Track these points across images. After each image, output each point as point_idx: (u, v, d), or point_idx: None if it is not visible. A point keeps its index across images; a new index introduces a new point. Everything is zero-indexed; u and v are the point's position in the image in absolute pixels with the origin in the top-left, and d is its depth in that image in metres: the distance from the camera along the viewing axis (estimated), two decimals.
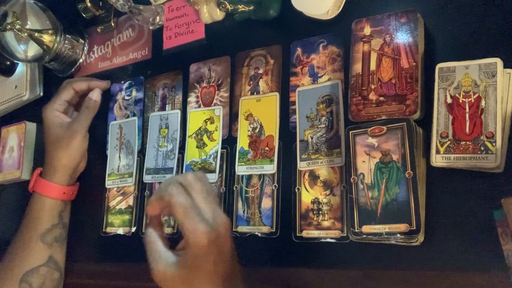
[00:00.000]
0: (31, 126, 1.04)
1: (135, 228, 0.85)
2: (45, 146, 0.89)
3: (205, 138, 0.81)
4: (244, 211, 0.74)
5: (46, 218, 0.85)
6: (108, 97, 0.95)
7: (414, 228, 0.56)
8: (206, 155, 0.80)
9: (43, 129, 0.90)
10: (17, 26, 0.91)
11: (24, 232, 0.85)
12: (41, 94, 1.07)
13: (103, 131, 0.94)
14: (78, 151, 0.87)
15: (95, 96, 0.90)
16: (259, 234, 0.71)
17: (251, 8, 0.76)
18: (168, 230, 0.80)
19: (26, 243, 0.84)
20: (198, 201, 0.56)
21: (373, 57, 0.64)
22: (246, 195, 0.74)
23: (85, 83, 0.92)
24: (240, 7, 0.76)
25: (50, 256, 0.85)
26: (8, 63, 1.08)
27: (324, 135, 0.69)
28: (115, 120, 0.93)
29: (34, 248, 0.83)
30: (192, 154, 0.81)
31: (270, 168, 0.73)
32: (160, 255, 0.55)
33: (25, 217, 0.87)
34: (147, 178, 0.85)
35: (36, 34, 0.95)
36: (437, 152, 0.57)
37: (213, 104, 0.82)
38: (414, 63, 0.61)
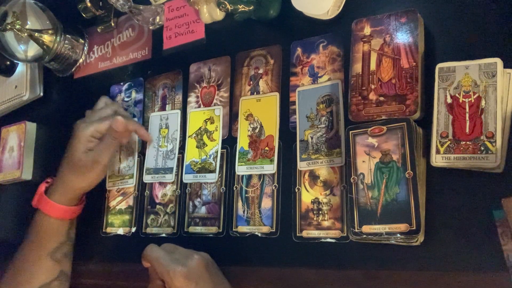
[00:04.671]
0: (31, 126, 1.04)
1: (135, 228, 0.85)
2: (62, 162, 0.82)
3: (205, 138, 0.81)
4: (244, 211, 0.74)
5: (53, 238, 0.81)
6: None
7: (414, 228, 0.56)
8: (206, 155, 0.80)
9: (69, 143, 0.82)
10: (17, 26, 0.91)
11: (30, 250, 0.81)
12: (41, 94, 1.07)
13: None
14: (95, 179, 0.82)
15: (120, 127, 0.80)
16: (259, 234, 0.71)
17: (251, 8, 0.76)
18: (168, 230, 0.80)
19: (35, 260, 0.80)
20: (171, 252, 0.67)
21: (373, 57, 0.64)
22: (246, 195, 0.74)
23: (132, 127, 0.83)
24: (240, 7, 0.76)
25: (61, 271, 0.82)
26: (8, 63, 1.08)
27: (324, 135, 0.69)
28: None
29: (44, 266, 0.80)
30: (192, 154, 0.81)
31: (270, 168, 0.73)
32: None
33: (30, 234, 0.82)
34: (147, 178, 0.85)
35: (36, 34, 0.95)
36: (437, 152, 0.57)
37: (213, 104, 0.82)
38: (414, 63, 0.61)
